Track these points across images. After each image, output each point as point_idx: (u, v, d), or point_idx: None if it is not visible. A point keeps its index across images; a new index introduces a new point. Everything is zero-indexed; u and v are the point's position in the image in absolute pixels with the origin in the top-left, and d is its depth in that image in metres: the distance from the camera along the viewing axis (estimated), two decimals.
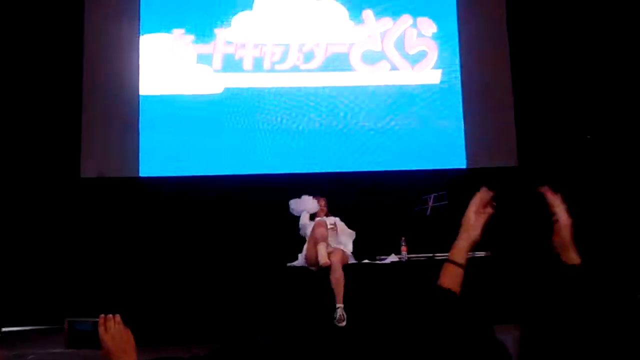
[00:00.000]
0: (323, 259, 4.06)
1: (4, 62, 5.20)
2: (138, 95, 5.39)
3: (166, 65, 5.47)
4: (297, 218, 4.62)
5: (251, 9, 5.59)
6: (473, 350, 1.02)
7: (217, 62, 5.48)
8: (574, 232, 1.40)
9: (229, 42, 5.51)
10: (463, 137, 5.60)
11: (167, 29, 5.49)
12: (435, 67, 5.67)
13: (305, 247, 4.39)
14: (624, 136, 5.51)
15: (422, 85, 5.65)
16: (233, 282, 4.19)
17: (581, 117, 5.60)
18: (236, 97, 5.49)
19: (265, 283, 4.18)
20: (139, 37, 5.45)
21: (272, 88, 5.51)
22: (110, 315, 1.35)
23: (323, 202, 4.62)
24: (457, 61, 5.69)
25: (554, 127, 5.62)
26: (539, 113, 5.65)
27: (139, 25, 5.46)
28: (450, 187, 4.53)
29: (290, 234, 4.67)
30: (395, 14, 5.68)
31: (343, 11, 5.66)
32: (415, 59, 5.66)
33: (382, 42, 5.64)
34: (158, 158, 5.35)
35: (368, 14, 5.66)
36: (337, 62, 5.58)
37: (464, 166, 5.54)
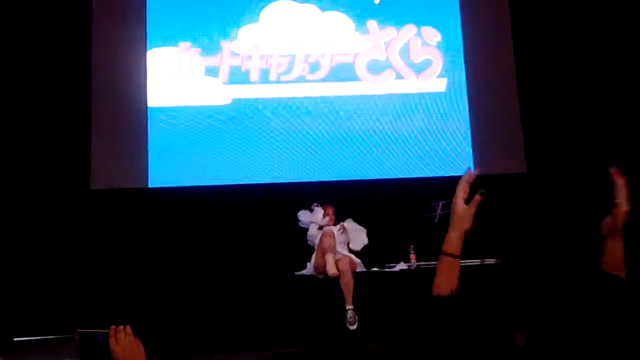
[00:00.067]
0: (331, 269, 4.07)
1: (15, 76, 5.27)
2: (146, 107, 5.45)
3: (174, 78, 5.52)
4: (305, 228, 4.64)
5: (257, 21, 5.64)
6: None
7: (224, 74, 5.53)
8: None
9: (235, 54, 5.57)
10: (470, 144, 5.60)
11: (174, 42, 5.55)
12: (441, 75, 5.69)
13: (313, 256, 4.40)
14: (632, 142, 5.47)
15: (428, 94, 5.66)
16: (242, 291, 4.20)
17: (589, 123, 5.58)
18: (243, 108, 5.53)
19: (274, 292, 4.19)
20: (146, 49, 5.51)
21: (279, 98, 5.55)
22: (121, 327, 1.36)
23: (330, 211, 4.63)
24: (462, 69, 5.70)
25: (562, 132, 5.59)
26: (546, 119, 5.63)
27: (146, 38, 5.53)
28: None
29: (299, 243, 4.68)
30: (399, 23, 5.72)
31: (348, 22, 5.70)
32: (420, 68, 5.67)
33: (386, 51, 5.67)
34: (167, 169, 5.39)
35: (372, 24, 5.69)
36: (343, 72, 5.61)
37: None
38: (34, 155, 5.21)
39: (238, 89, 5.55)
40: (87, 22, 5.46)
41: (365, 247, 4.55)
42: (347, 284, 4.08)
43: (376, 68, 5.64)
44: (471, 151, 5.58)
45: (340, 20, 5.71)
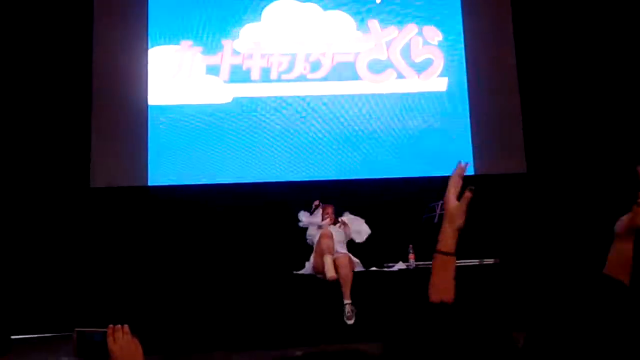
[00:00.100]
0: (329, 272, 4.05)
1: (16, 74, 5.27)
2: (147, 105, 5.45)
3: (175, 76, 5.52)
4: (306, 227, 4.64)
5: (259, 20, 5.64)
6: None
7: (225, 72, 5.53)
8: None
9: (236, 53, 5.56)
10: (470, 144, 5.60)
11: (175, 40, 5.55)
12: (442, 74, 5.68)
13: (312, 256, 4.40)
14: (633, 142, 5.47)
15: (429, 93, 5.66)
16: (242, 290, 4.20)
17: (590, 124, 5.57)
18: (244, 106, 5.53)
19: (273, 291, 4.19)
20: (147, 48, 5.51)
21: (280, 97, 5.55)
22: (119, 326, 1.36)
23: (330, 210, 4.64)
24: (464, 68, 5.70)
25: (562, 133, 5.59)
26: (547, 119, 5.63)
27: (147, 36, 5.53)
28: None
29: (298, 242, 4.68)
30: (401, 22, 5.71)
31: (349, 21, 5.69)
32: (422, 67, 5.67)
33: (387, 50, 5.66)
34: (167, 167, 5.39)
35: (373, 23, 5.69)
36: (344, 71, 5.61)
37: (471, 173, 5.52)
38: (34, 153, 5.21)
39: (239, 88, 5.54)
40: (89, 20, 5.46)
41: (364, 247, 4.55)
42: (345, 279, 4.08)
43: (377, 67, 5.64)
44: (471, 151, 5.58)
45: (341, 20, 5.70)
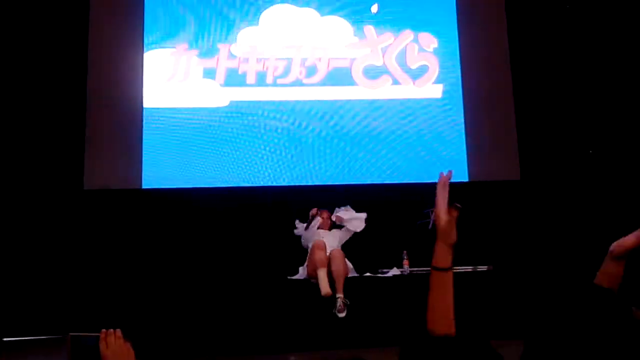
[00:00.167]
0: (324, 289, 3.99)
1: (10, 75, 5.25)
2: (142, 107, 5.44)
3: (170, 79, 5.52)
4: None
5: (256, 25, 5.65)
6: None
7: (221, 76, 5.54)
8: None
9: (232, 57, 5.57)
10: (465, 151, 5.62)
11: (171, 43, 5.55)
12: (437, 81, 5.72)
13: (306, 263, 4.39)
14: (627, 150, 5.52)
15: (424, 100, 5.68)
16: (237, 295, 4.19)
17: (584, 132, 5.62)
18: (239, 110, 5.53)
19: (268, 295, 4.18)
20: (143, 50, 5.51)
21: (275, 102, 5.56)
22: (111, 330, 1.36)
23: (326, 215, 4.64)
24: (459, 76, 5.73)
25: (556, 141, 5.63)
26: (541, 127, 5.67)
27: (143, 38, 5.53)
28: (452, 200, 4.53)
29: (294, 246, 4.68)
30: (397, 29, 5.75)
31: (346, 27, 5.72)
32: (417, 74, 5.70)
33: (383, 56, 5.69)
34: (161, 170, 5.37)
35: (369, 29, 5.72)
36: (339, 77, 5.62)
37: (465, 180, 5.55)
38: (27, 155, 5.18)
39: (234, 92, 5.55)
40: (84, 23, 5.45)
41: (358, 252, 4.56)
42: (338, 273, 4.07)
43: (373, 73, 5.66)
44: (466, 157, 5.61)
45: (338, 25, 5.72)
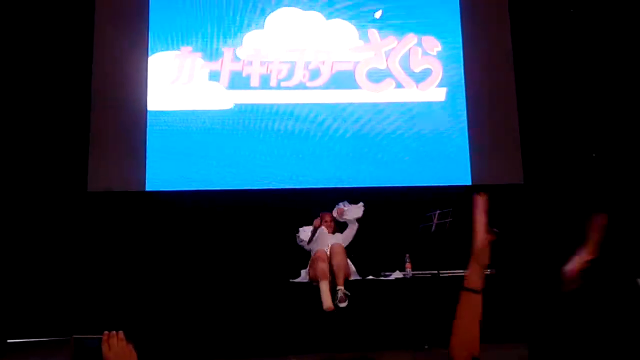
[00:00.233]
0: (326, 303, 3.94)
1: (16, 77, 5.28)
2: (146, 110, 5.45)
3: (173, 82, 5.54)
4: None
5: (262, 28, 5.66)
6: None
7: (225, 79, 5.55)
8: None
9: (237, 60, 5.59)
10: (468, 154, 5.62)
11: (176, 46, 5.57)
12: (440, 85, 5.72)
13: (309, 266, 4.38)
14: (630, 153, 5.50)
15: (427, 103, 5.68)
16: (239, 297, 4.19)
17: (587, 135, 5.61)
18: (243, 113, 5.54)
19: (271, 298, 4.18)
20: (147, 53, 5.53)
21: (279, 104, 5.57)
22: (114, 332, 1.36)
23: (329, 218, 4.63)
24: (462, 79, 5.74)
25: (559, 144, 5.63)
26: (544, 131, 5.66)
27: (147, 41, 5.55)
28: (455, 204, 4.53)
29: (296, 249, 4.68)
30: (400, 32, 5.75)
31: (351, 30, 5.73)
32: (420, 77, 5.71)
33: (387, 60, 5.70)
34: (165, 173, 5.38)
35: (373, 32, 5.73)
36: (343, 80, 5.63)
37: (469, 183, 5.54)
38: (32, 157, 5.21)
39: (238, 95, 5.56)
40: (90, 25, 5.48)
41: (360, 255, 4.55)
42: (339, 266, 4.07)
43: (376, 77, 5.67)
44: (469, 161, 5.60)
45: (342, 29, 5.74)
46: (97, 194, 5.23)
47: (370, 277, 4.47)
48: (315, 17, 5.74)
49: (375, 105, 5.64)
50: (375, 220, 4.96)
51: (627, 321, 0.96)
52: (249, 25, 5.66)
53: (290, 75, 5.61)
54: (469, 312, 1.20)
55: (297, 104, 5.58)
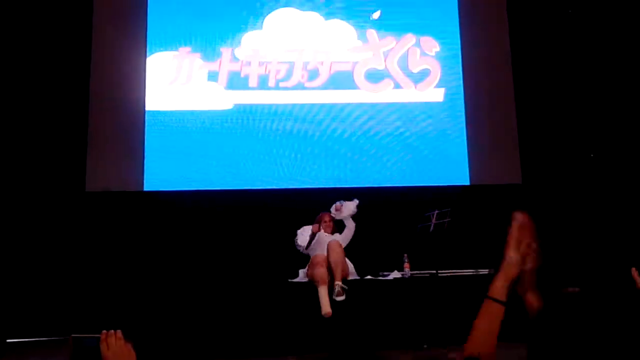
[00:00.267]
0: (324, 308, 3.93)
1: (14, 76, 5.28)
2: (144, 110, 5.45)
3: (172, 82, 5.53)
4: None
5: (260, 28, 5.66)
6: None
7: (223, 79, 5.55)
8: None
9: (235, 60, 5.59)
10: (466, 154, 5.63)
11: (174, 46, 5.57)
12: (439, 85, 5.72)
13: (307, 266, 4.38)
14: (629, 154, 5.52)
15: (426, 103, 5.69)
16: (238, 297, 4.19)
17: (585, 135, 5.63)
18: (241, 113, 5.54)
19: (269, 298, 4.18)
20: (145, 53, 5.52)
21: (277, 105, 5.57)
22: (112, 331, 1.37)
23: (328, 218, 4.63)
24: (460, 80, 5.74)
25: (557, 144, 5.64)
26: (542, 131, 5.68)
27: (146, 41, 5.54)
28: (453, 204, 4.54)
29: (294, 250, 4.68)
30: (399, 33, 5.76)
31: (350, 30, 5.73)
32: (419, 78, 5.71)
33: (385, 60, 5.70)
34: (163, 173, 5.38)
35: (372, 33, 5.73)
36: (341, 80, 5.64)
37: (467, 183, 5.55)
38: (30, 157, 5.20)
39: (237, 95, 5.56)
40: (88, 26, 5.47)
41: (359, 255, 4.55)
42: (336, 262, 4.08)
43: (375, 77, 5.67)
44: (467, 161, 5.61)
45: (341, 29, 5.74)
46: (95, 194, 5.23)
47: (369, 277, 4.47)
48: (313, 17, 5.74)
49: (373, 105, 5.64)
50: (374, 220, 4.96)
51: (627, 321, 0.96)
52: (247, 26, 5.66)
53: (288, 75, 5.61)
54: (487, 320, 1.21)
55: (296, 104, 5.58)
